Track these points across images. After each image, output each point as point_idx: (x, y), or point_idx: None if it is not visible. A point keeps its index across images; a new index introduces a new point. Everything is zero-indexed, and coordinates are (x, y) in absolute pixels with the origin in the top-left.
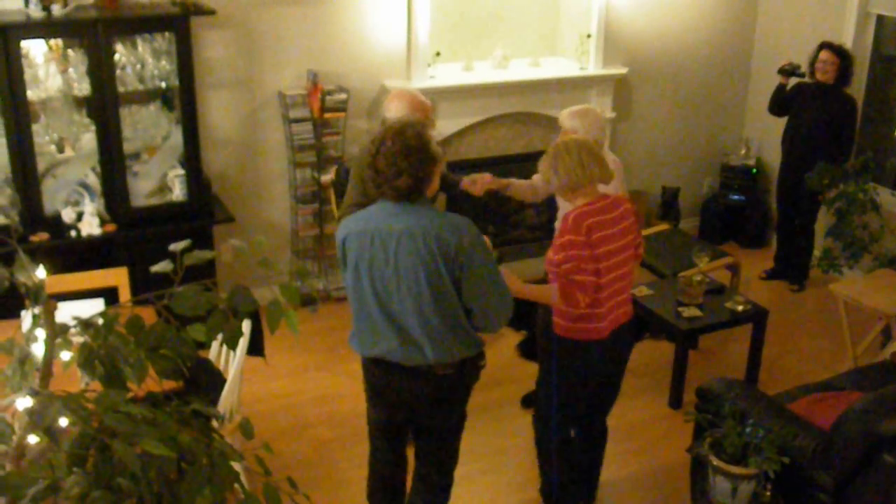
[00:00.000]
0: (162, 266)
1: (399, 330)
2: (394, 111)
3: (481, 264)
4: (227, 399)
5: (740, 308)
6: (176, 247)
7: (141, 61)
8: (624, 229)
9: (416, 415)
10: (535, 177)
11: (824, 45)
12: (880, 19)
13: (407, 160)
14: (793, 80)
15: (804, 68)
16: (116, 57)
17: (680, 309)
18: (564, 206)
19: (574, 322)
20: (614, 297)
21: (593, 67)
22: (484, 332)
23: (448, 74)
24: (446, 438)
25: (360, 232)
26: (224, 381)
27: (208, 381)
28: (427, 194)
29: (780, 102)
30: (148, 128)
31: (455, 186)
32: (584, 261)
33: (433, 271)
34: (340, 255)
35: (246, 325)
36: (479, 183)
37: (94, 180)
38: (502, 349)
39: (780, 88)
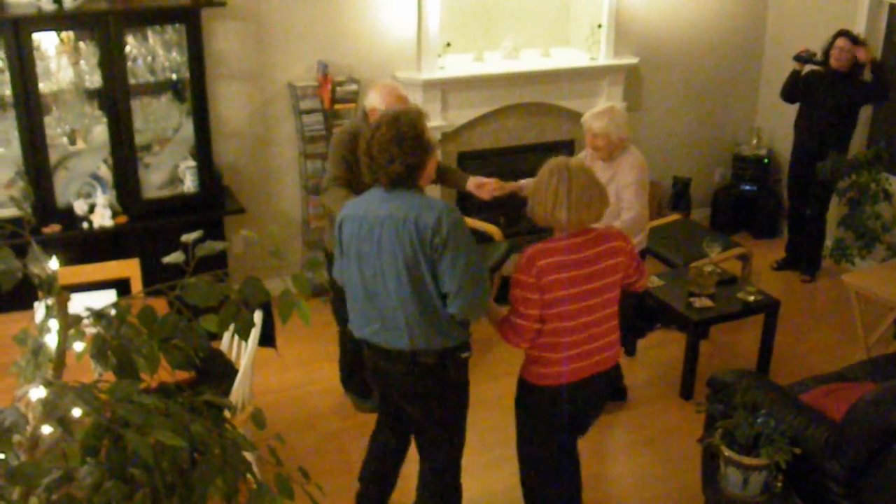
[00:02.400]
0: (174, 257)
1: (381, 314)
2: (374, 101)
3: (457, 248)
4: (238, 389)
5: (752, 298)
6: (188, 238)
7: (152, 53)
8: (605, 269)
9: (404, 402)
10: None
11: (842, 33)
12: (893, 8)
13: (399, 147)
14: (808, 68)
15: (819, 56)
16: (127, 49)
17: (691, 299)
18: None
19: (529, 363)
20: (582, 344)
21: (604, 58)
22: (463, 319)
23: (458, 65)
24: (433, 431)
25: (353, 217)
26: (236, 371)
27: (220, 371)
28: (421, 183)
29: (794, 89)
30: (159, 120)
31: (463, 182)
32: (527, 304)
33: (411, 256)
34: (337, 238)
35: (258, 316)
36: (486, 189)
37: (105, 172)
38: None
39: (795, 75)
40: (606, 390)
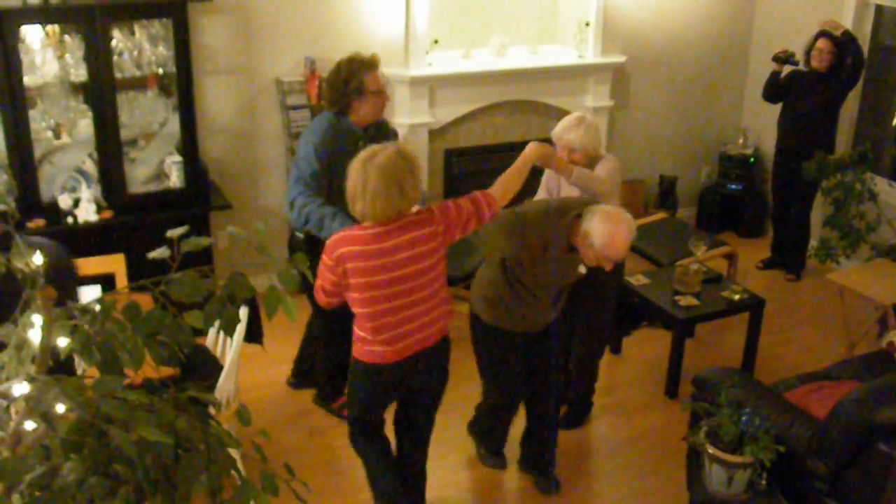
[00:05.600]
0: (159, 252)
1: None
2: None
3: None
4: (224, 386)
5: (737, 297)
6: (173, 233)
7: (138, 47)
8: (415, 256)
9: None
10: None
11: (822, 34)
12: (879, 9)
13: None
14: (787, 68)
15: (799, 56)
16: (113, 43)
17: (677, 298)
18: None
19: (354, 339)
20: (399, 326)
21: (592, 56)
22: None
23: (446, 62)
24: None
25: None
26: (221, 367)
27: (205, 367)
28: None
29: (775, 90)
30: (145, 114)
31: None
32: (324, 277)
33: None
34: None
35: (243, 312)
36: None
37: (90, 167)
38: None
39: (775, 76)
40: (436, 366)
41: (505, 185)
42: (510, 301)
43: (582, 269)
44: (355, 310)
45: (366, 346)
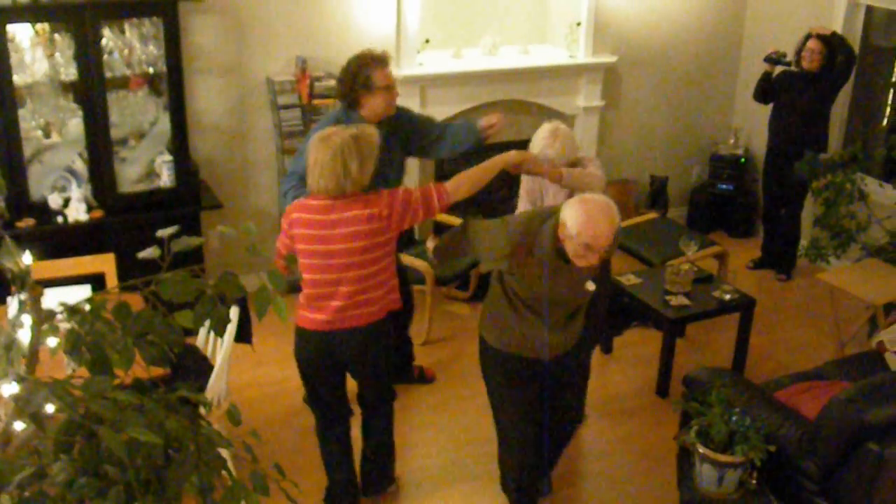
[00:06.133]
0: (149, 252)
1: None
2: None
3: None
4: (214, 386)
5: (728, 297)
6: (163, 233)
7: (128, 46)
8: (345, 235)
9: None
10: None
11: (813, 35)
12: (869, 10)
13: None
14: (778, 69)
15: (790, 57)
16: (104, 42)
17: (667, 297)
18: (526, 182)
19: (297, 307)
20: (325, 299)
21: (583, 56)
22: None
23: (437, 62)
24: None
25: None
26: (211, 367)
27: (195, 367)
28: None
29: (766, 90)
30: (135, 113)
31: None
32: (280, 243)
33: None
34: None
35: (233, 312)
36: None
37: (80, 166)
38: None
39: (766, 76)
40: (370, 347)
41: (462, 179)
42: (510, 317)
43: (590, 287)
44: (301, 274)
45: (300, 310)
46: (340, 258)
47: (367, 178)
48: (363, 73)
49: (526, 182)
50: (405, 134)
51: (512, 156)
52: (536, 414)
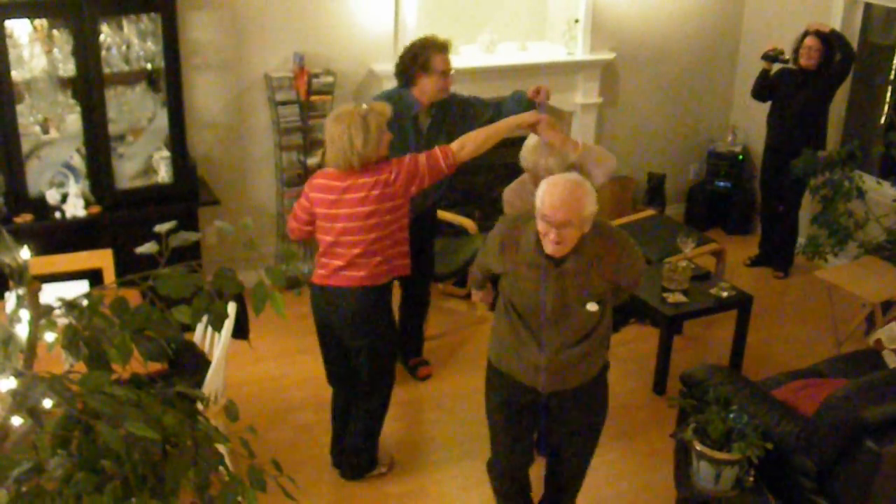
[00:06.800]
0: (147, 248)
1: None
2: None
3: None
4: (211, 381)
5: (725, 294)
6: (161, 228)
7: (126, 42)
8: (349, 201)
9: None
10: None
11: (810, 32)
12: (867, 7)
13: None
14: (776, 66)
15: (788, 54)
16: (102, 37)
17: (665, 294)
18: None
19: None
20: (327, 257)
21: (581, 52)
22: None
23: None
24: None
25: None
26: (208, 363)
27: (193, 363)
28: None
29: (764, 88)
30: (133, 109)
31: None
32: (301, 207)
33: None
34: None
35: (231, 308)
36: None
37: (78, 162)
38: None
39: (764, 74)
40: (351, 309)
41: (468, 138)
42: (504, 329)
43: (591, 307)
44: (317, 237)
45: (316, 268)
46: (345, 222)
47: (375, 153)
48: (424, 54)
49: (513, 189)
50: (454, 118)
51: (525, 117)
52: (527, 455)
